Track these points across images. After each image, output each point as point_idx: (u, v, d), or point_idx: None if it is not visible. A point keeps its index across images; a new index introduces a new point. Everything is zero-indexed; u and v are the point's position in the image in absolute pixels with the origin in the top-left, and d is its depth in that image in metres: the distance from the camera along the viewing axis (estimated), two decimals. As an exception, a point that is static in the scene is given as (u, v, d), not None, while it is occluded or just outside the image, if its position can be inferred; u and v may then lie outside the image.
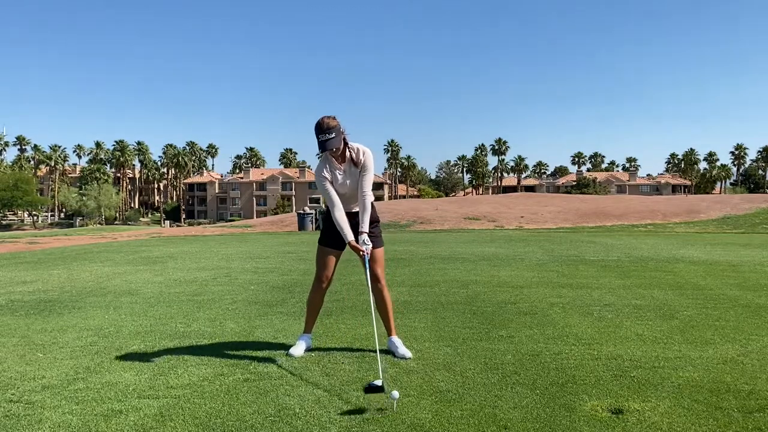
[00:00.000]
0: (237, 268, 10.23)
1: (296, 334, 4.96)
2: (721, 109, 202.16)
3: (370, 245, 4.29)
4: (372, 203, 4.46)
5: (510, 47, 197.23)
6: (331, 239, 4.49)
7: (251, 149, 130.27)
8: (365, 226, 4.29)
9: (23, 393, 3.62)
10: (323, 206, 4.48)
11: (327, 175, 4.36)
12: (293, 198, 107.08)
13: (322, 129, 4.16)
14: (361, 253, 4.25)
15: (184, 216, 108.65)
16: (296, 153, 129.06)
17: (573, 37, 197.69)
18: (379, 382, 3.35)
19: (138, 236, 25.12)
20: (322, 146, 4.19)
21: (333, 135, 4.18)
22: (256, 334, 5.14)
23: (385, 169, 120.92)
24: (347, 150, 4.32)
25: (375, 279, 4.43)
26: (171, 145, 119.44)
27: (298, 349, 4.45)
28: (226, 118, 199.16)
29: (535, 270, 9.64)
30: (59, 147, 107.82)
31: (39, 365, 4.21)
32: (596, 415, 3.20)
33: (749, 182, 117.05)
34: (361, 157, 4.33)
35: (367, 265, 4.30)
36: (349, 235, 4.29)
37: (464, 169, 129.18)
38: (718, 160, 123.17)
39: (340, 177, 4.36)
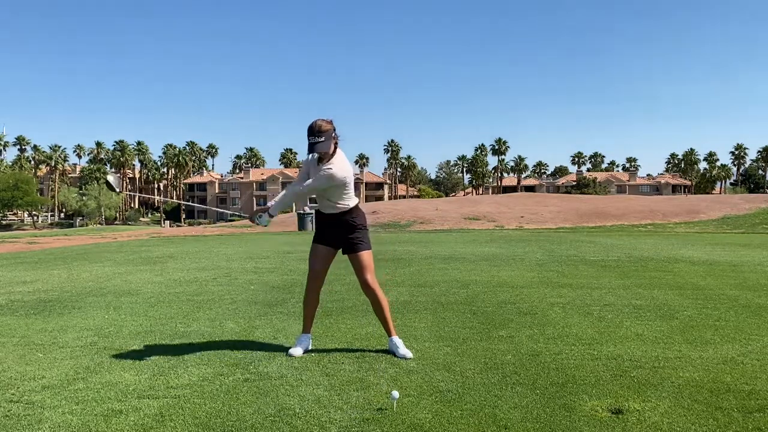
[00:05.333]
0: (237, 268, 10.23)
1: (296, 334, 4.96)
2: (721, 109, 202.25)
3: (264, 222, 4.48)
4: (357, 206, 4.49)
5: (510, 46, 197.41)
6: (321, 236, 4.56)
7: (251, 149, 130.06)
8: (270, 203, 4.46)
9: (23, 393, 3.62)
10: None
11: (305, 168, 4.48)
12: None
13: (313, 132, 4.19)
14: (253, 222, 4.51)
15: (184, 216, 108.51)
16: (296, 153, 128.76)
17: (573, 36, 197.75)
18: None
19: (138, 236, 25.12)
20: (311, 149, 4.23)
21: (323, 139, 4.20)
22: (256, 334, 5.14)
23: (385, 169, 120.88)
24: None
25: (365, 284, 4.50)
26: (171, 145, 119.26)
27: (298, 350, 4.46)
28: (226, 118, 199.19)
29: (535, 270, 9.64)
30: (59, 147, 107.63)
31: (39, 365, 4.21)
32: (596, 415, 3.20)
33: (749, 182, 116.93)
34: (329, 161, 4.31)
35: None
36: (270, 205, 4.45)
37: (464, 169, 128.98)
38: (718, 160, 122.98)
39: (313, 175, 4.40)
